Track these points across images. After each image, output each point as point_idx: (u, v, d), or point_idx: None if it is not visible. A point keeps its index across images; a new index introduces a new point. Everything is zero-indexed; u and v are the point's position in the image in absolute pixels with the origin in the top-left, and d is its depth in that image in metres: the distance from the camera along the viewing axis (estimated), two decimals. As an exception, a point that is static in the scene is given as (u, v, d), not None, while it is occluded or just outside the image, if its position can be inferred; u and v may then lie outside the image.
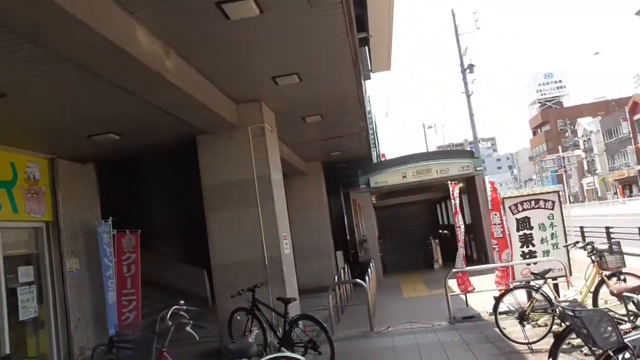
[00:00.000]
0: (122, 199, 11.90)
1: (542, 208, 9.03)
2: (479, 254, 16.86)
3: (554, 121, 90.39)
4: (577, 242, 7.57)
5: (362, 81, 8.59)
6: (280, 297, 6.75)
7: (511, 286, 6.94)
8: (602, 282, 6.61)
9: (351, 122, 11.32)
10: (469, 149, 40.14)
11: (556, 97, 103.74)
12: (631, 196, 57.07)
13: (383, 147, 54.33)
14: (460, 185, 18.06)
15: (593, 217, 33.11)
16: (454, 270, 9.12)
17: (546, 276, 6.68)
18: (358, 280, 8.98)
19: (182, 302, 5.12)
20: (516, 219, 9.05)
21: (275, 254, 8.21)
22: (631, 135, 61.68)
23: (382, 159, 20.60)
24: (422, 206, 24.57)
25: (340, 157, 15.97)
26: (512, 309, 7.16)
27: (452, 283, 9.84)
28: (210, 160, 8.47)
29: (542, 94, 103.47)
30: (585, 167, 74.39)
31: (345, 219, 24.97)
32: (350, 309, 10.99)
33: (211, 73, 7.10)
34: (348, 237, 24.93)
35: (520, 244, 9.01)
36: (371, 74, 8.23)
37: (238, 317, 7.33)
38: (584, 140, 75.64)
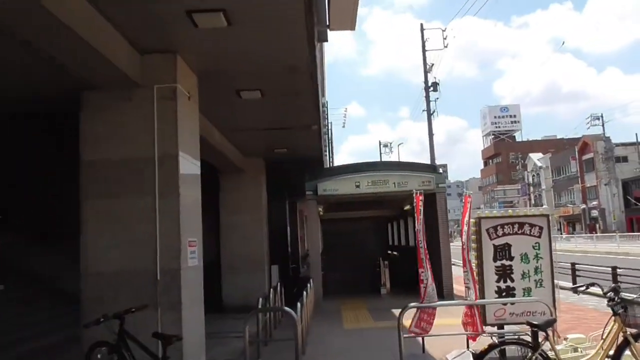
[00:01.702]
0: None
1: (527, 234, 7.12)
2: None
3: (505, 154, 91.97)
4: (593, 284, 5.63)
5: (316, 42, 6.47)
6: (157, 333, 4.44)
7: (496, 340, 4.88)
8: (626, 343, 4.66)
9: (301, 108, 9.17)
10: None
11: (510, 130, 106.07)
12: (573, 234, 57.89)
13: (337, 160, 52.63)
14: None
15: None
16: (411, 305, 7.02)
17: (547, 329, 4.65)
18: (286, 309, 6.75)
19: None
20: (494, 245, 7.09)
21: (174, 265, 5.88)
22: (579, 175, 62.93)
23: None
24: (373, 224, 22.66)
25: (286, 156, 13.78)
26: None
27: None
28: (94, 127, 6.07)
29: (496, 127, 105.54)
30: (532, 202, 75.33)
31: (289, 229, 22.74)
32: (277, 340, 8.76)
33: (106, 4, 4.88)
34: (290, 250, 22.70)
35: (496, 277, 7.06)
36: (329, 33, 6.06)
37: (99, 356, 4.94)
38: (533, 175, 76.86)
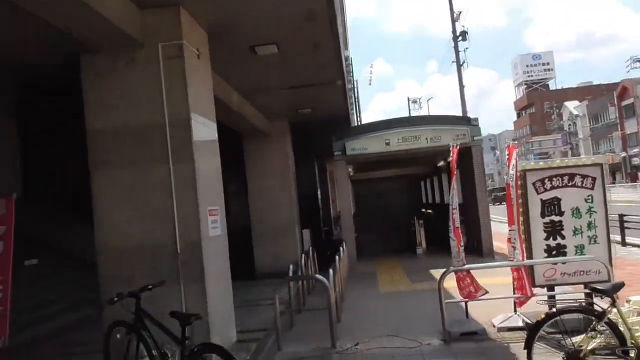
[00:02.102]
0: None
1: (578, 187, 6.43)
2: (470, 242, 14.39)
3: (539, 103, 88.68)
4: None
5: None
6: (175, 312, 4.05)
7: (553, 308, 4.31)
8: None
9: (322, 62, 8.52)
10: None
11: (543, 79, 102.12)
12: (613, 183, 55.70)
13: (365, 119, 51.46)
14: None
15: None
16: (451, 268, 6.48)
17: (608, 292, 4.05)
18: (318, 276, 6.31)
19: None
20: (541, 199, 6.44)
21: (193, 236, 5.48)
22: (618, 121, 60.15)
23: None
24: (405, 182, 22.03)
25: (311, 116, 13.18)
26: (556, 342, 4.57)
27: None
28: (98, 93, 5.61)
29: (529, 76, 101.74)
30: (569, 151, 72.87)
31: (319, 191, 22.35)
32: (310, 309, 8.41)
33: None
34: (321, 212, 22.36)
35: (544, 234, 6.44)
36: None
37: (118, 336, 4.62)
38: (569, 124, 73.95)
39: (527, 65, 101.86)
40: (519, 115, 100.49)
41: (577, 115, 71.77)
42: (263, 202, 13.03)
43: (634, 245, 12.56)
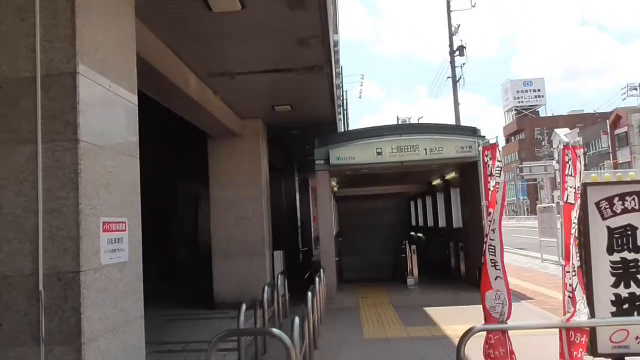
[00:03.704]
0: None
1: (661, 211, 4.44)
2: (468, 270, 12.36)
3: (529, 130, 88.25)
4: None
5: None
6: None
7: None
8: None
9: (303, 35, 6.47)
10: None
11: (533, 105, 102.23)
12: (603, 213, 54.17)
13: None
14: (451, 175, 13.59)
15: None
16: (480, 327, 4.32)
17: None
18: (275, 331, 4.15)
19: None
20: (608, 227, 4.44)
21: (67, 264, 3.32)
22: (610, 150, 59.24)
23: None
24: (395, 201, 20.05)
25: (291, 117, 11.14)
26: None
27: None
28: None
29: (519, 102, 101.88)
30: (558, 180, 71.73)
31: (298, 208, 20.23)
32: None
33: None
34: (300, 232, 20.20)
35: (612, 278, 4.40)
36: None
37: None
38: (559, 152, 72.96)
39: (518, 91, 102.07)
40: (507, 140, 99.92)
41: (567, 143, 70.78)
42: (229, 215, 10.86)
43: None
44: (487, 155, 4.66)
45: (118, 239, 3.86)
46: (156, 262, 16.80)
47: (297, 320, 4.47)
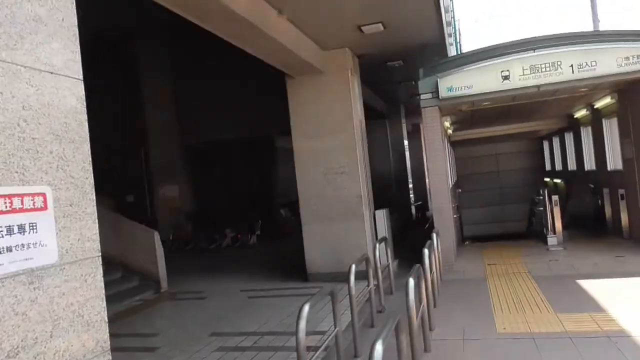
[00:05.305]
0: None
1: None
2: (634, 224, 9.37)
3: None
4: None
5: None
6: None
7: None
8: None
9: None
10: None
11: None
12: None
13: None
14: (605, 101, 10.38)
15: None
16: None
17: None
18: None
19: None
20: None
21: None
22: None
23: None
24: (525, 143, 16.92)
25: (386, 42, 8.83)
26: None
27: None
28: None
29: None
30: None
31: (408, 158, 17.90)
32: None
33: None
34: (411, 185, 17.93)
35: None
36: None
37: None
38: None
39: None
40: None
41: None
42: (316, 172, 9.00)
43: None
44: None
45: (19, 226, 2.07)
46: (254, 221, 15.73)
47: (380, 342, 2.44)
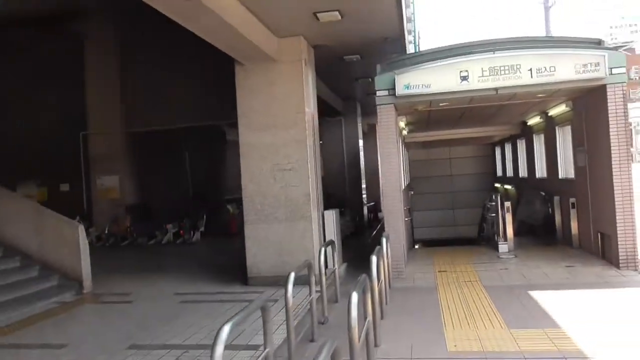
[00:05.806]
0: None
1: None
2: (583, 234, 9.28)
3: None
4: None
5: None
6: None
7: None
8: None
9: None
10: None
11: (628, 42, 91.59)
12: None
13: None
14: (559, 109, 10.28)
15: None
16: None
17: None
18: None
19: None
20: None
21: None
22: None
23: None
24: (478, 148, 16.89)
25: (343, 32, 8.33)
26: None
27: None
28: None
29: (612, 38, 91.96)
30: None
31: (362, 158, 17.52)
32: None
33: None
34: (364, 185, 17.57)
35: None
36: None
37: None
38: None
39: (611, 27, 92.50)
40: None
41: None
42: (262, 167, 8.40)
43: None
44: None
45: None
46: (199, 217, 14.94)
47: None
